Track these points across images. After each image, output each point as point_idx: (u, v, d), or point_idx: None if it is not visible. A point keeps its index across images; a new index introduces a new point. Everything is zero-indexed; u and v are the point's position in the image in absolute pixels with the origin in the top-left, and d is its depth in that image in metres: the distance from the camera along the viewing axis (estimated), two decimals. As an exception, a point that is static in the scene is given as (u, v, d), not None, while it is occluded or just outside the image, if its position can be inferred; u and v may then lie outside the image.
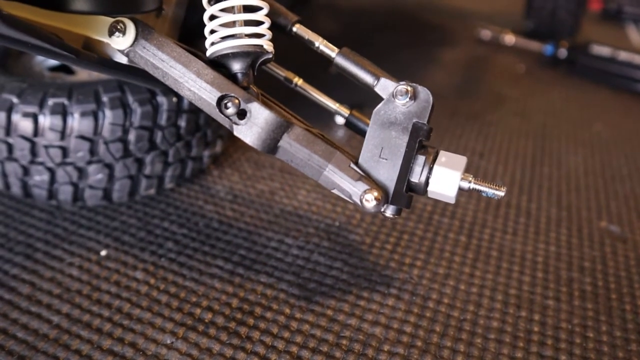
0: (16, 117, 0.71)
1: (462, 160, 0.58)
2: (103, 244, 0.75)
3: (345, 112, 0.69)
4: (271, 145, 0.56)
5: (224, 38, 0.58)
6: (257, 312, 0.65)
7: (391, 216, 0.58)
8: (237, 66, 0.58)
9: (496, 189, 0.58)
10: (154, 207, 0.83)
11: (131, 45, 0.56)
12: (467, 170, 0.98)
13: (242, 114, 0.55)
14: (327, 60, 0.64)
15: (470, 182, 0.58)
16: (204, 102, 0.56)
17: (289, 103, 0.67)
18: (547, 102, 1.33)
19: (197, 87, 0.56)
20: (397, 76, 0.58)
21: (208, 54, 0.58)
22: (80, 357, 0.58)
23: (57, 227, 0.77)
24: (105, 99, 0.73)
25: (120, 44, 0.56)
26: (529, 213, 0.87)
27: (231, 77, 0.58)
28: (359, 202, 0.56)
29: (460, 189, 0.58)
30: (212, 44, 0.58)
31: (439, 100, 1.30)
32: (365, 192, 0.55)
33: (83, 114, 0.72)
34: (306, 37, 0.65)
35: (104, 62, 0.59)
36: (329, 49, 0.63)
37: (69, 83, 0.74)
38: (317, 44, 0.64)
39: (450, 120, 1.18)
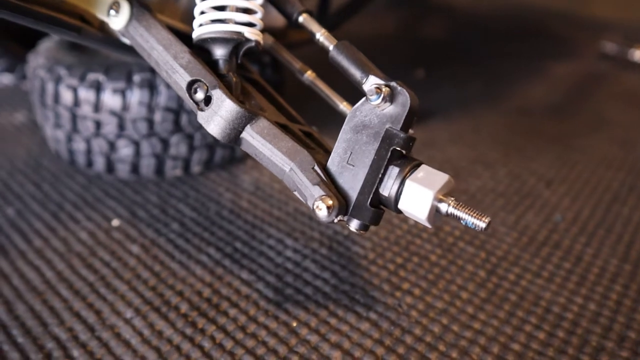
0: (61, 88, 0.79)
1: (441, 178, 0.49)
2: (119, 214, 0.79)
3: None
4: (231, 135, 0.53)
5: (212, 21, 0.57)
6: (222, 307, 0.63)
7: (355, 231, 0.52)
8: (218, 52, 0.57)
9: (477, 218, 0.48)
10: (178, 188, 0.85)
11: (125, 25, 0.58)
12: (516, 196, 0.84)
13: (209, 100, 0.54)
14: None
15: (449, 205, 0.49)
16: (177, 85, 0.55)
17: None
18: (666, 132, 1.09)
19: (172, 69, 0.55)
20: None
21: (193, 36, 0.57)
22: (50, 312, 0.62)
23: (88, 193, 0.84)
24: (136, 78, 0.77)
25: (115, 23, 0.58)
26: (579, 259, 0.72)
27: (212, 62, 0.57)
28: (311, 208, 0.50)
29: (438, 212, 0.50)
30: (200, 25, 0.57)
31: (522, 116, 1.15)
32: (319, 198, 0.50)
33: (114, 91, 0.77)
34: (309, 28, 0.61)
35: (108, 40, 0.62)
36: (329, 41, 0.59)
37: (109, 61, 0.80)
38: (317, 36, 0.60)
39: (527, 139, 1.03)
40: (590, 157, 0.97)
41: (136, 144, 0.81)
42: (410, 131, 0.62)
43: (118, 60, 0.81)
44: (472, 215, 0.48)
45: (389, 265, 0.70)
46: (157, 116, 0.79)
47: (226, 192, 0.85)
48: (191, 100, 0.54)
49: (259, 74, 0.88)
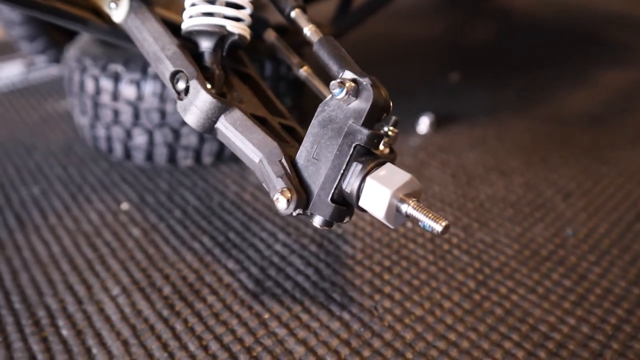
0: (86, 77, 0.84)
1: (403, 177, 0.48)
2: (130, 199, 0.84)
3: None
4: (206, 125, 0.55)
5: (202, 14, 0.59)
6: (202, 293, 0.65)
7: (319, 227, 0.51)
8: (204, 44, 0.59)
9: (434, 221, 0.46)
10: (188, 177, 0.89)
11: (124, 18, 0.62)
12: (528, 207, 0.79)
13: (188, 90, 0.55)
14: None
15: (409, 205, 0.47)
16: (162, 75, 0.58)
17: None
18: None
19: (159, 60, 0.58)
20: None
21: (182, 27, 0.60)
22: (48, 284, 0.67)
23: (107, 177, 0.89)
24: (150, 70, 0.81)
25: (115, 15, 0.62)
26: (582, 277, 0.66)
27: (199, 54, 0.59)
28: (273, 200, 0.51)
29: (398, 212, 0.48)
30: (190, 17, 0.59)
31: (554, 125, 1.08)
32: (279, 190, 0.50)
33: (130, 81, 0.81)
34: (299, 23, 0.61)
35: (113, 32, 0.66)
36: (315, 36, 0.59)
37: (129, 53, 0.84)
38: (305, 30, 0.60)
39: (554, 149, 0.96)
40: (620, 171, 0.89)
41: (150, 133, 0.85)
42: (392, 128, 0.61)
43: (138, 53, 0.86)
44: (429, 218, 0.47)
45: (375, 267, 0.69)
46: (169, 107, 0.82)
47: (233, 184, 0.87)
48: (174, 90, 0.57)
49: (275, 70, 0.90)
